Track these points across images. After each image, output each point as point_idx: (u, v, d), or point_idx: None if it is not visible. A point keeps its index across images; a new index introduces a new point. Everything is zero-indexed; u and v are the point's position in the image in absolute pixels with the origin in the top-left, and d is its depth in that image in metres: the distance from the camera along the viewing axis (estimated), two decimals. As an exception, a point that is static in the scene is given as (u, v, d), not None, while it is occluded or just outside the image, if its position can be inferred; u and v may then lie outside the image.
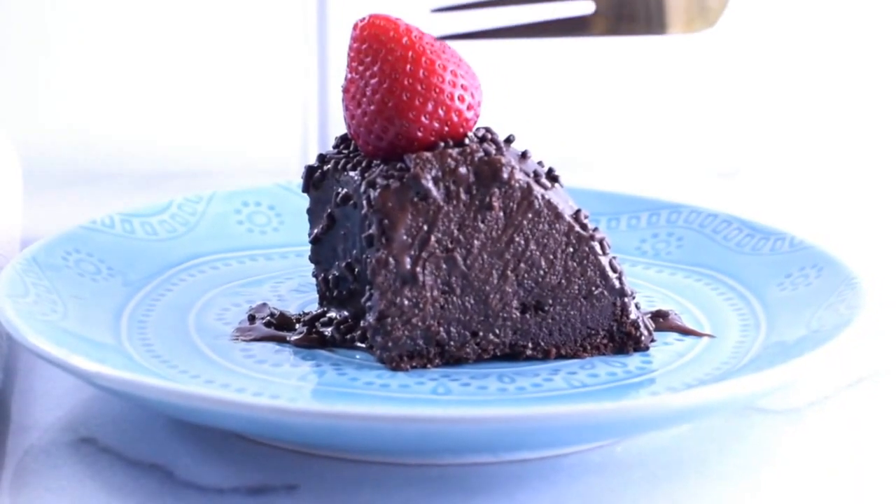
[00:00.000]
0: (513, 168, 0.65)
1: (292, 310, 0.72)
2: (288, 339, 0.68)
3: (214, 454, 0.59)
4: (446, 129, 0.66)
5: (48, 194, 1.01)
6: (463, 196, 0.65)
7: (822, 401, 0.65)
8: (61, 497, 0.56)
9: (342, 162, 0.69)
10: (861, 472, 0.60)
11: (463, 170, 0.65)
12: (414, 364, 0.65)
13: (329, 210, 0.70)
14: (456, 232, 0.65)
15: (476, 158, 0.65)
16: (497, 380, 0.64)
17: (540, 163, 0.69)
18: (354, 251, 0.68)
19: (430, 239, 0.64)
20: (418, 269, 0.64)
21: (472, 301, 0.65)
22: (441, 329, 0.65)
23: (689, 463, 0.59)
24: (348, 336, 0.67)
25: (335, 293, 0.70)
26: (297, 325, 0.69)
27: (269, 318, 0.70)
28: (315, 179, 0.71)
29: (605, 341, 0.67)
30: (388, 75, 0.66)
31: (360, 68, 0.67)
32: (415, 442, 0.55)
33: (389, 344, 0.65)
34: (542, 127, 1.14)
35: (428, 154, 0.65)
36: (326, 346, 0.67)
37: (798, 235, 0.75)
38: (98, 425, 0.61)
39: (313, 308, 0.71)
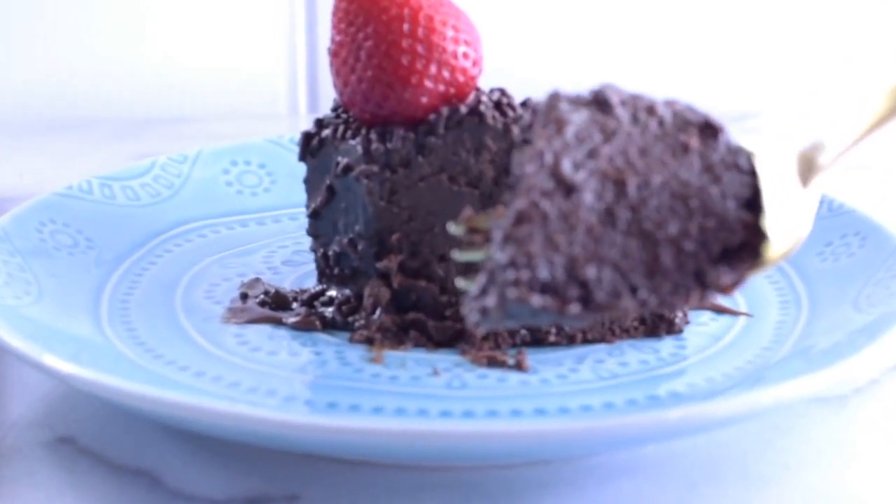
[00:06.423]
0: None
1: (288, 285, 0.69)
2: (284, 320, 0.64)
3: (207, 459, 0.55)
4: (452, 90, 0.63)
5: (16, 144, 1.00)
6: (652, 126, 0.53)
7: (870, 386, 0.62)
8: (35, 506, 0.53)
9: (342, 129, 0.65)
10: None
11: (661, 108, 0.53)
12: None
13: (328, 181, 0.66)
14: (636, 156, 0.52)
15: (679, 105, 0.54)
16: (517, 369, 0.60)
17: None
18: (357, 226, 0.65)
19: (601, 151, 0.52)
20: (580, 176, 0.51)
21: (637, 245, 0.51)
22: (590, 267, 0.50)
23: (728, 464, 0.56)
24: (351, 318, 0.64)
25: (336, 270, 0.67)
26: (295, 305, 0.66)
27: (263, 296, 0.67)
28: (312, 147, 0.67)
29: (635, 324, 0.63)
30: (384, 37, 0.62)
31: (351, 30, 0.63)
32: (425, 453, 0.51)
33: (520, 260, 0.50)
34: (549, 73, 1.11)
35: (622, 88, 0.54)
36: (327, 328, 0.64)
37: (837, 199, 0.71)
38: (77, 421, 0.58)
39: (311, 283, 0.68)
